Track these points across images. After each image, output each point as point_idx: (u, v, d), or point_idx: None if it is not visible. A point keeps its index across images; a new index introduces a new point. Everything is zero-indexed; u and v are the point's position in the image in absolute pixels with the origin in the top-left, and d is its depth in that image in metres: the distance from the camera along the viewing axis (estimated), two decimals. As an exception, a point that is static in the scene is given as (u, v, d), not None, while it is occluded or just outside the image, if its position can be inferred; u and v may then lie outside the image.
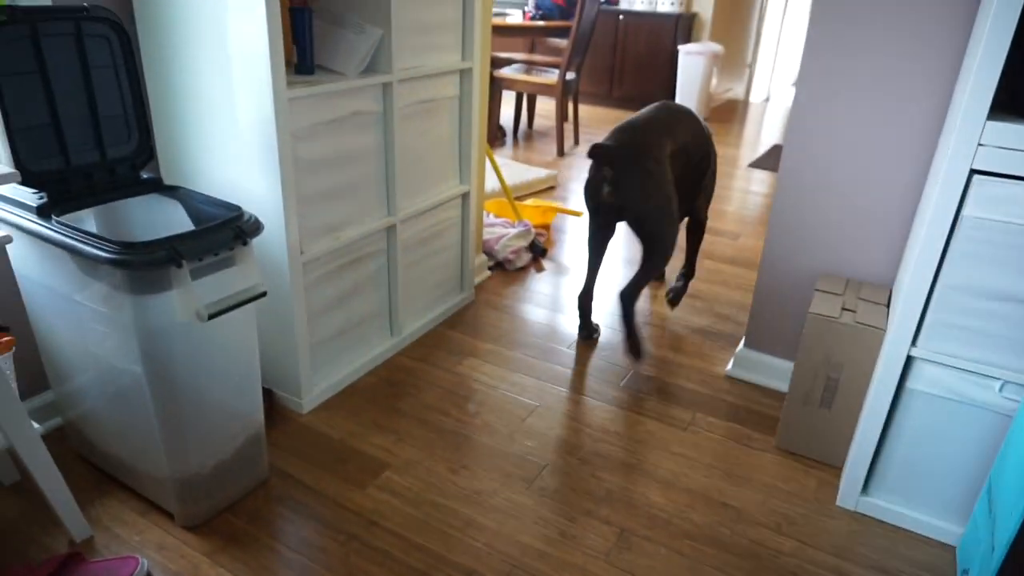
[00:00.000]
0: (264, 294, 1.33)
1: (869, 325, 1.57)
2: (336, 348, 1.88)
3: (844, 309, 1.64)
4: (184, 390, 1.30)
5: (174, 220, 1.43)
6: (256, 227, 1.31)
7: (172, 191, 1.45)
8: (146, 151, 1.45)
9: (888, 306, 1.67)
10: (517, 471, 1.64)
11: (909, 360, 1.42)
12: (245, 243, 1.29)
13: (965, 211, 1.27)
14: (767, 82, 6.81)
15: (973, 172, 1.25)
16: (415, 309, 2.15)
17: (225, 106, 1.53)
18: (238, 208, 1.34)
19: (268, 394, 1.80)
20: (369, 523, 1.47)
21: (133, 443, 1.40)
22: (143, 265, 1.15)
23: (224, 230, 1.26)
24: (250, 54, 1.44)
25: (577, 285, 2.60)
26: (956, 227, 1.29)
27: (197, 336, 1.27)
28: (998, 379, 1.36)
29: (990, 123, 1.20)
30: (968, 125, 1.22)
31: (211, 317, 1.23)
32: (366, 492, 1.55)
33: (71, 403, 1.51)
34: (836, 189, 1.76)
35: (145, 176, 1.48)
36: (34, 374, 1.65)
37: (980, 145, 1.22)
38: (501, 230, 2.81)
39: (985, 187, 1.24)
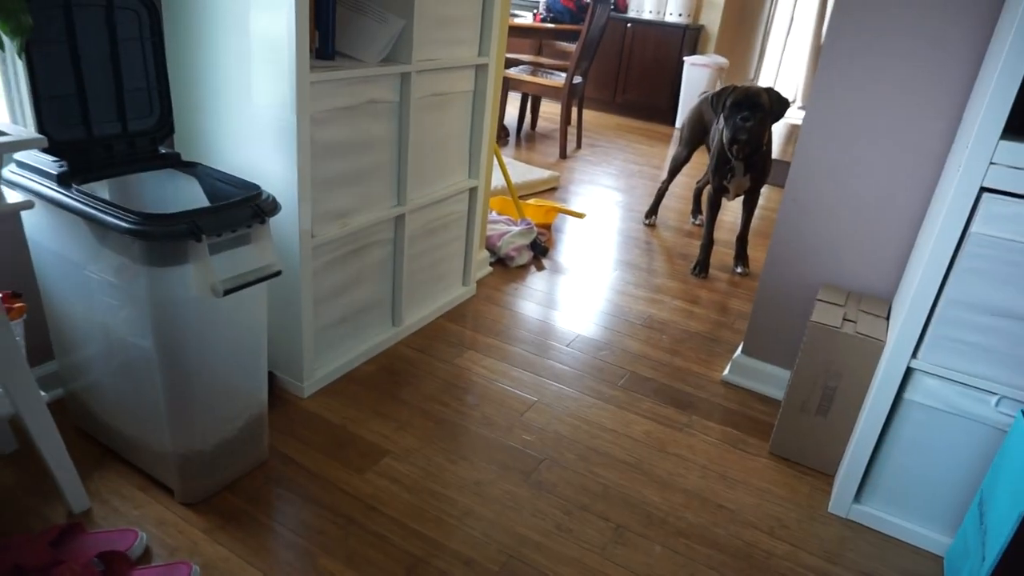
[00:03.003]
0: (279, 273, 1.34)
1: (870, 336, 1.60)
2: (339, 334, 1.89)
3: (845, 320, 1.67)
4: (193, 365, 1.31)
5: (189, 195, 1.44)
6: (274, 206, 1.33)
7: (190, 167, 1.45)
8: (167, 126, 1.46)
9: (888, 319, 1.70)
10: (515, 464, 1.66)
11: (909, 372, 1.45)
12: (263, 221, 1.30)
13: (973, 228, 1.30)
14: (768, 97, 6.87)
15: (983, 190, 1.28)
16: (417, 300, 2.17)
17: (244, 86, 1.54)
18: (256, 187, 1.35)
19: (270, 376, 1.80)
20: (368, 508, 1.48)
21: (137, 417, 1.41)
22: (164, 237, 1.16)
23: (243, 207, 1.27)
24: (274, 36, 1.45)
25: (576, 285, 2.63)
26: (963, 243, 1.32)
27: (209, 312, 1.28)
28: (995, 394, 1.39)
29: (1003, 142, 1.23)
30: (981, 143, 1.25)
31: (227, 293, 1.24)
32: (365, 477, 1.57)
33: (75, 375, 1.51)
34: (842, 203, 1.79)
35: (164, 151, 1.48)
36: (39, 344, 1.65)
37: (992, 164, 1.25)
38: (504, 227, 2.83)
39: (994, 205, 1.27)
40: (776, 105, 2.58)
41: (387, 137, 1.82)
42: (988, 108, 1.23)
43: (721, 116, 2.65)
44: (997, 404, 1.40)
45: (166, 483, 1.47)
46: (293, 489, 1.51)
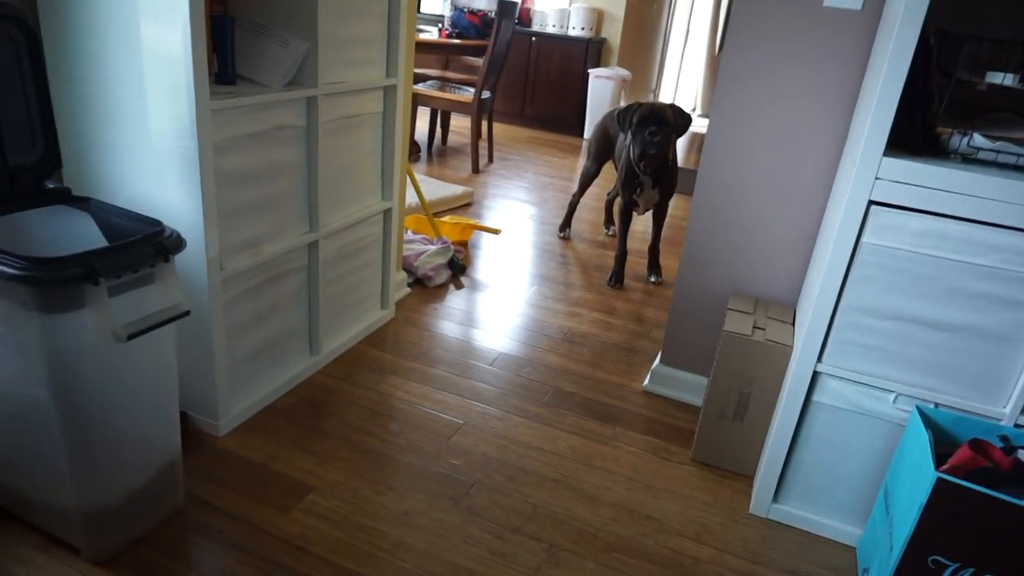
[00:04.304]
0: (187, 313, 1.28)
1: (778, 343, 1.68)
2: (254, 368, 1.82)
3: (755, 327, 1.74)
4: (95, 416, 1.23)
5: (83, 234, 1.35)
6: (178, 243, 1.26)
7: (83, 203, 1.37)
8: (53, 159, 1.37)
9: (793, 324, 1.79)
10: (444, 490, 1.64)
11: (815, 375, 1.53)
12: (167, 259, 1.23)
13: (864, 238, 1.39)
14: (670, 107, 7.13)
15: (871, 203, 1.37)
16: (336, 326, 2.12)
17: (139, 115, 1.46)
18: (158, 222, 1.29)
19: (183, 417, 1.71)
20: (295, 549, 1.43)
21: (34, 473, 1.31)
22: (56, 282, 1.08)
23: (144, 245, 1.21)
24: (170, 61, 1.39)
25: (496, 302, 2.63)
26: (856, 253, 1.41)
27: (111, 358, 1.21)
28: (892, 392, 1.48)
29: (886, 159, 1.32)
30: (867, 161, 1.33)
31: (130, 338, 1.17)
32: (290, 516, 1.51)
33: (-41, 431, 1.39)
34: (746, 213, 1.88)
35: (52, 186, 1.39)
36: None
37: (877, 179, 1.34)
38: (420, 246, 2.81)
39: (881, 217, 1.36)
40: (680, 120, 2.68)
41: (296, 162, 1.77)
42: (871, 128, 1.31)
43: (629, 132, 2.72)
44: (895, 401, 1.49)
45: (71, 542, 1.37)
46: (213, 536, 1.44)
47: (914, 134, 1.39)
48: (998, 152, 1.34)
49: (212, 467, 1.63)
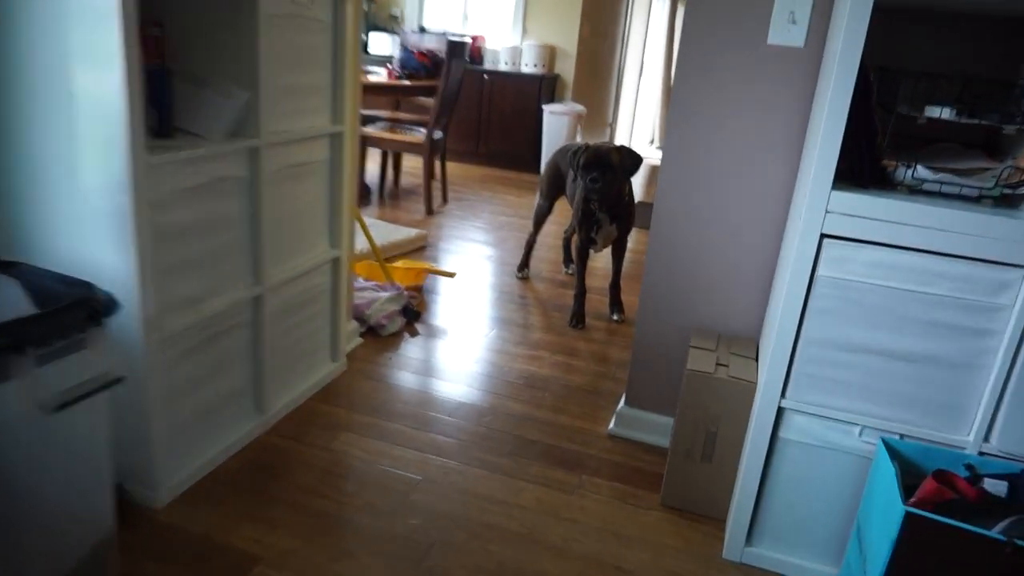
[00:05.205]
0: (120, 380, 1.25)
1: (742, 379, 1.71)
2: (196, 432, 1.78)
3: (718, 364, 1.77)
4: (21, 494, 1.18)
5: (9, 300, 1.32)
6: (112, 305, 1.25)
7: (8, 267, 1.34)
8: (-26, 222, 1.34)
9: (756, 359, 1.82)
10: (403, 552, 1.61)
11: (780, 411, 1.56)
12: (99, 323, 1.21)
13: (819, 271, 1.43)
14: (627, 139, 7.31)
15: (823, 236, 1.42)
16: (283, 383, 2.09)
17: (68, 171, 1.45)
18: (88, 284, 1.27)
19: (118, 490, 1.66)
20: (243, 627, 1.39)
21: (-47, 561, 1.25)
22: (-23, 354, 1.05)
23: (75, 310, 1.18)
24: (102, 115, 1.38)
25: (454, 349, 2.63)
26: (812, 286, 1.45)
27: (38, 431, 1.17)
28: (857, 424, 1.52)
29: (835, 192, 1.38)
30: (817, 193, 1.39)
31: (58, 409, 1.14)
32: (237, 592, 1.47)
33: None
34: (702, 247, 1.93)
35: (-28, 250, 1.36)
36: None
37: (828, 212, 1.39)
38: (372, 294, 2.80)
39: (833, 249, 1.41)
40: (628, 161, 2.76)
41: (239, 214, 1.77)
42: (818, 163, 1.37)
43: (577, 173, 2.80)
44: (861, 434, 1.53)
45: (-6, 635, 1.30)
46: (153, 618, 1.39)
47: (862, 167, 1.45)
48: (941, 183, 1.41)
49: (151, 543, 1.58)
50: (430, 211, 4.47)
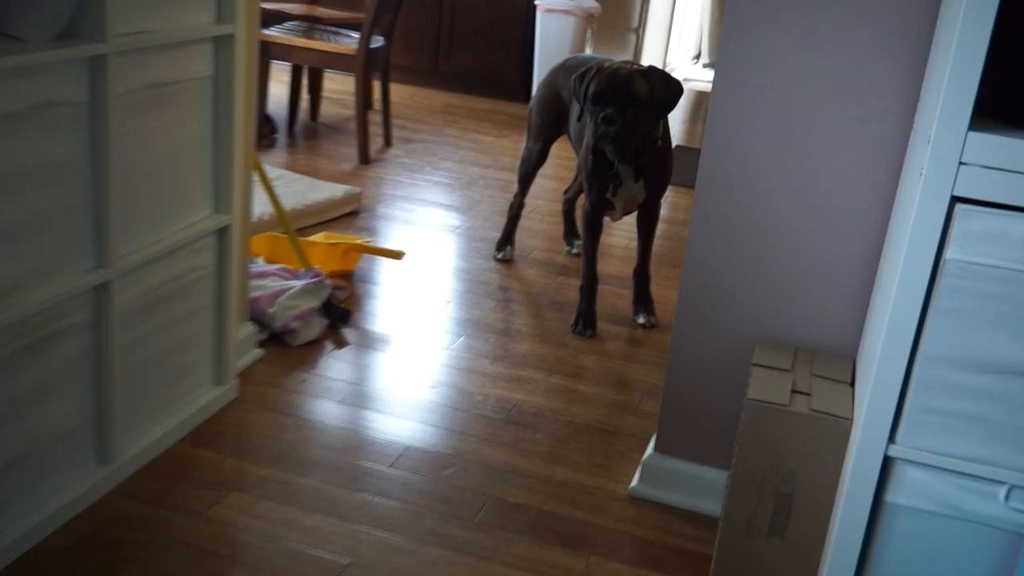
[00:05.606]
0: None
1: (831, 414, 1.71)
2: (3, 493, 1.76)
3: (795, 391, 1.77)
4: None
5: None
6: None
7: None
8: None
9: (853, 385, 1.82)
10: (322, 673, 1.61)
11: (888, 462, 1.55)
12: None
13: (948, 253, 1.43)
14: (661, 54, 7.32)
15: (955, 200, 1.41)
16: (140, 417, 2.08)
17: None
18: None
19: None
20: None
21: None
22: None
23: None
24: None
25: (399, 367, 2.62)
26: (937, 275, 1.45)
27: None
28: (1002, 482, 1.52)
29: (973, 134, 1.37)
30: (945, 136, 1.38)
31: None
32: None
33: None
34: (774, 219, 1.92)
35: None
36: None
37: (962, 164, 1.38)
38: (277, 283, 2.79)
39: (972, 220, 1.41)
40: (660, 90, 2.72)
41: (73, 159, 1.75)
42: (949, 88, 1.36)
43: (584, 107, 2.78)
44: (1008, 497, 1.53)
45: None
46: None
47: (1018, 94, 1.44)
48: None
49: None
50: (365, 158, 4.45)
